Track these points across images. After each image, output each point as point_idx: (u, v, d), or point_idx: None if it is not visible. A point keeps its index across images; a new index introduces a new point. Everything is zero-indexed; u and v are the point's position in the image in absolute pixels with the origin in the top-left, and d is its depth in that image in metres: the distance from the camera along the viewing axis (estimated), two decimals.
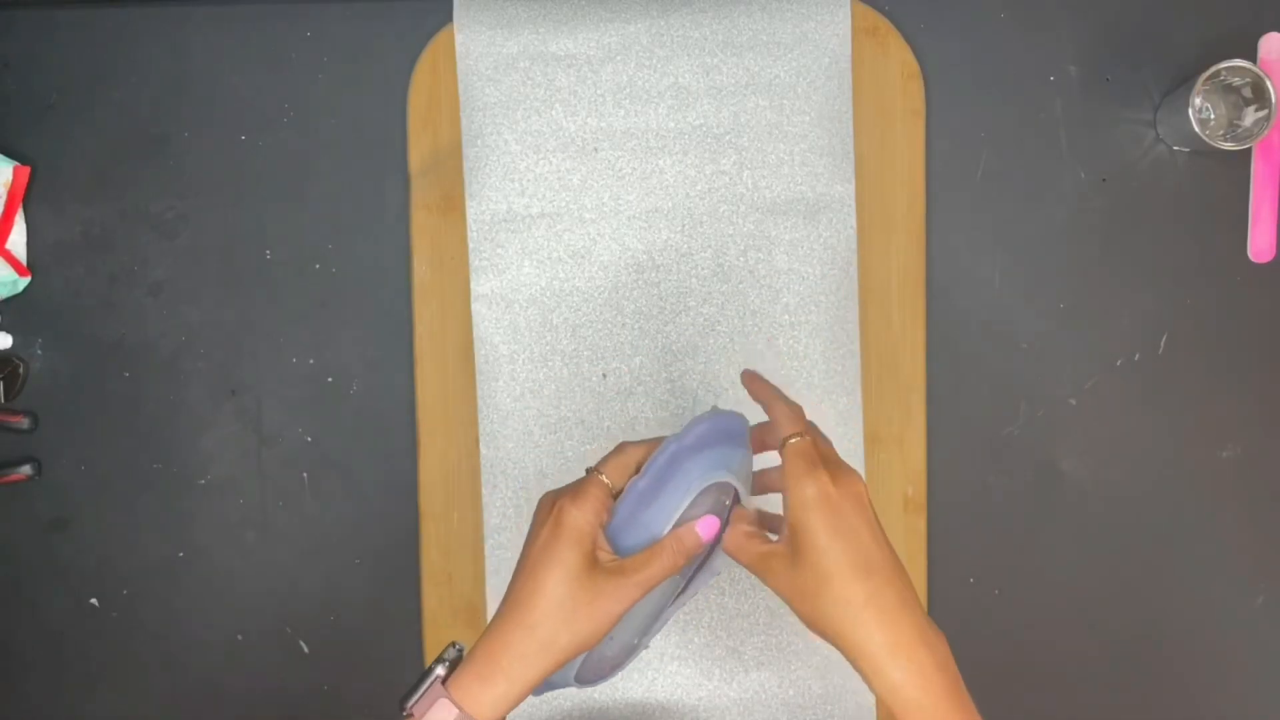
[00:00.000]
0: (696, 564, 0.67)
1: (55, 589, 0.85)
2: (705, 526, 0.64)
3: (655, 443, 0.66)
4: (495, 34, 0.82)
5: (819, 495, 0.60)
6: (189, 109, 0.84)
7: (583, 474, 0.66)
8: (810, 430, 0.65)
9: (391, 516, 0.84)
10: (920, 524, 0.83)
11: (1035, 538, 0.85)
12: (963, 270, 0.84)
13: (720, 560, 0.68)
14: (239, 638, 0.85)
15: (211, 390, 0.85)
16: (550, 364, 0.83)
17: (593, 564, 0.62)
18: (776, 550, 0.62)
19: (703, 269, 0.83)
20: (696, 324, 0.83)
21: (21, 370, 0.84)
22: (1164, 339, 0.84)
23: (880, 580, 0.59)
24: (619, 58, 0.83)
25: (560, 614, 0.61)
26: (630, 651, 0.68)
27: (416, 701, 0.61)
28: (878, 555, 0.60)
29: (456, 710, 0.60)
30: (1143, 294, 0.84)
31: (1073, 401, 0.84)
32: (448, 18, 0.83)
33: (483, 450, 0.83)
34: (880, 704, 0.83)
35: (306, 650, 0.85)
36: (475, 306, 0.83)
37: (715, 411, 0.68)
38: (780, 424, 0.65)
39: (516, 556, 0.83)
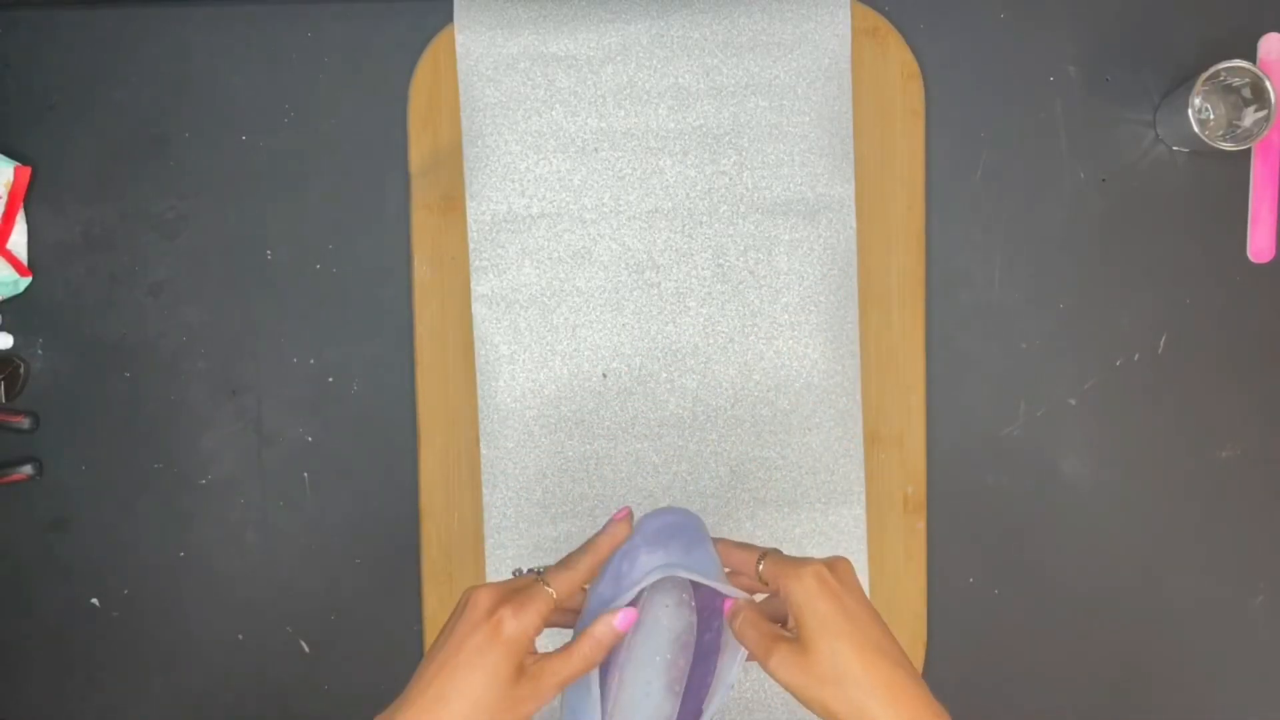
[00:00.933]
0: (718, 688, 0.67)
1: (55, 589, 0.85)
2: (622, 617, 0.63)
3: (601, 549, 0.66)
4: (496, 34, 0.82)
5: (819, 581, 0.62)
6: (189, 109, 0.84)
7: (517, 570, 0.66)
8: (770, 549, 0.67)
9: (391, 516, 0.84)
10: (920, 524, 0.83)
11: (1035, 538, 0.85)
12: (963, 270, 0.84)
13: (733, 670, 0.67)
14: (239, 638, 0.85)
15: (212, 390, 0.85)
16: (550, 364, 0.83)
17: (520, 672, 0.61)
18: (786, 637, 0.62)
19: (703, 269, 0.83)
20: (696, 324, 0.83)
21: (22, 370, 0.84)
22: (1164, 339, 0.84)
23: (891, 662, 0.60)
24: (619, 58, 0.83)
25: (484, 717, 0.60)
26: None
27: None
28: (884, 638, 0.61)
29: None
30: (1143, 294, 0.84)
31: (1073, 401, 0.84)
32: (448, 18, 0.83)
33: (483, 450, 0.83)
34: None
35: (306, 650, 0.85)
36: (475, 306, 0.83)
37: (668, 509, 0.69)
38: (745, 559, 0.66)
39: (516, 556, 0.83)
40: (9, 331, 0.84)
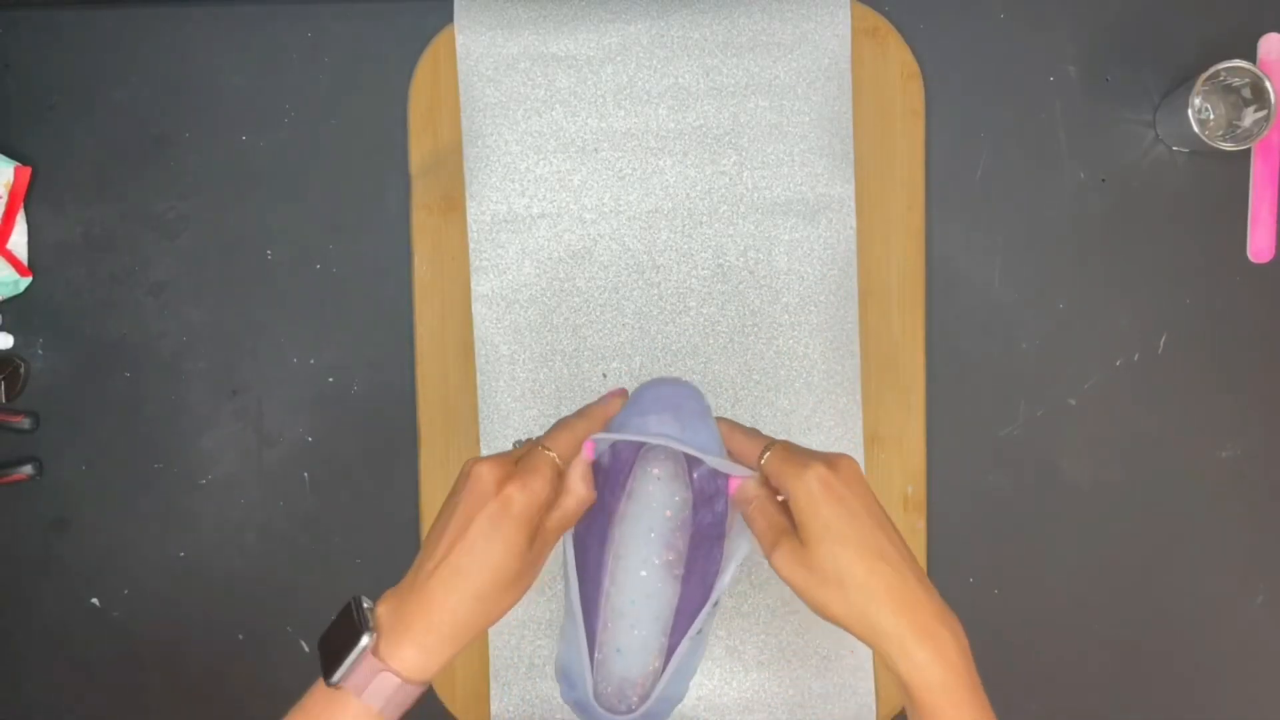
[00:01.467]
0: (728, 566, 0.68)
1: (55, 589, 0.85)
2: (589, 447, 0.66)
3: (595, 415, 0.68)
4: (496, 35, 0.82)
5: (822, 484, 0.61)
6: (189, 109, 0.84)
7: (517, 442, 0.68)
8: (777, 441, 0.66)
9: (391, 516, 0.84)
10: (920, 524, 0.83)
11: (1035, 538, 0.85)
12: (963, 270, 0.84)
13: (743, 548, 0.68)
14: (239, 638, 0.85)
15: (212, 390, 0.85)
16: (551, 364, 0.83)
17: (532, 539, 0.63)
18: (791, 532, 0.62)
19: (703, 269, 0.83)
20: (696, 324, 0.83)
21: (22, 370, 0.84)
22: (1164, 339, 0.84)
23: (894, 564, 0.59)
24: (619, 58, 0.83)
25: (504, 583, 0.61)
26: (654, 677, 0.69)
27: (346, 675, 0.59)
28: (887, 541, 0.60)
29: (398, 681, 0.59)
30: (1143, 294, 0.84)
31: (1073, 401, 0.84)
32: (448, 18, 0.83)
33: (483, 450, 0.83)
34: (887, 691, 0.83)
35: (306, 650, 0.85)
36: (476, 306, 0.83)
37: (665, 380, 0.71)
38: (748, 448, 0.66)
39: None
40: (9, 331, 0.84)
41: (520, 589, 0.63)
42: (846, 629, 0.60)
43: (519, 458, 0.64)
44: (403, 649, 0.59)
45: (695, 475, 0.71)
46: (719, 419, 0.69)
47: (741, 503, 0.66)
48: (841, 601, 0.59)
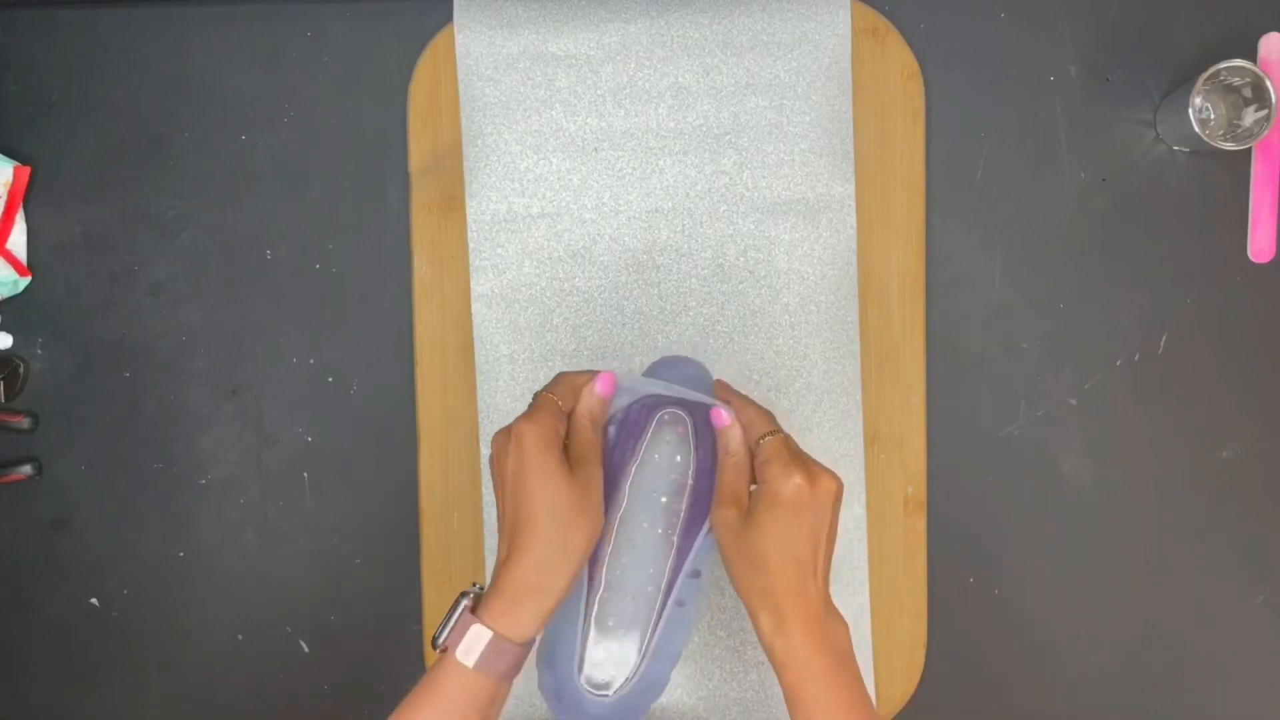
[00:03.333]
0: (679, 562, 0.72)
1: (55, 589, 0.85)
2: (607, 380, 0.69)
3: (592, 372, 0.71)
4: (495, 34, 0.82)
5: (792, 495, 0.65)
6: (189, 109, 0.84)
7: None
8: (783, 432, 0.69)
9: (391, 516, 0.84)
10: (920, 524, 0.83)
11: (1035, 538, 0.85)
12: (963, 270, 0.84)
13: (707, 562, 0.72)
14: (239, 638, 0.85)
15: (211, 390, 0.85)
16: (551, 364, 0.83)
17: (564, 462, 0.66)
18: (742, 503, 0.67)
19: (703, 269, 0.83)
20: (696, 324, 0.83)
21: (22, 370, 0.84)
22: (1164, 339, 0.84)
23: (805, 569, 0.64)
24: (619, 58, 0.83)
25: (565, 516, 0.64)
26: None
27: (448, 634, 0.63)
28: (811, 556, 0.65)
29: (491, 633, 0.62)
30: (1143, 294, 0.84)
31: (1073, 401, 0.84)
32: (448, 18, 0.83)
33: (483, 450, 0.83)
34: (887, 692, 0.83)
35: (306, 650, 0.85)
36: (475, 306, 0.83)
37: (679, 359, 0.76)
38: (755, 424, 0.69)
39: None
40: (9, 331, 0.84)
41: (586, 522, 0.65)
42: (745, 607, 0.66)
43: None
44: (495, 607, 0.63)
45: (698, 456, 0.73)
46: (734, 393, 0.73)
47: (721, 448, 0.70)
48: (745, 589, 0.65)
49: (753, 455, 0.69)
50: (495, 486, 0.68)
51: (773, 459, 0.67)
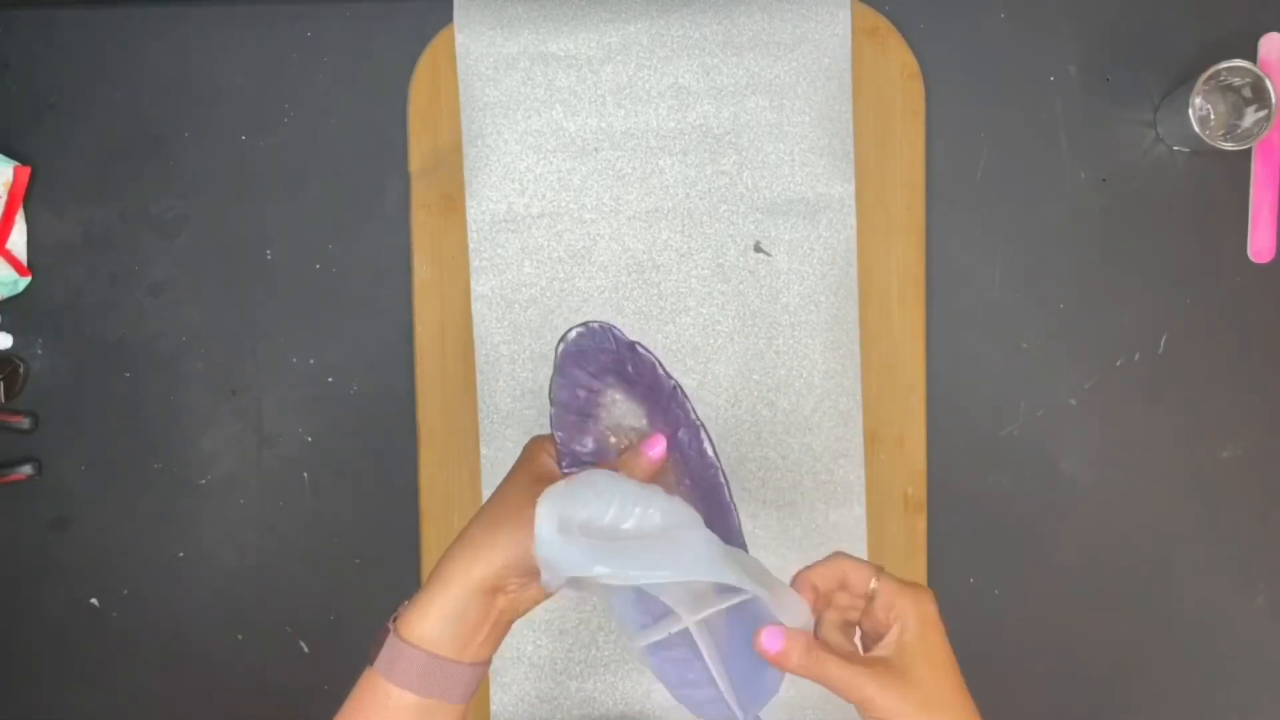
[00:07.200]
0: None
1: (55, 589, 0.85)
2: (655, 447, 0.63)
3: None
4: (495, 34, 0.82)
5: (936, 617, 0.59)
6: (189, 109, 0.84)
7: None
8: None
9: (391, 516, 0.84)
10: (920, 524, 0.83)
11: (1035, 538, 0.85)
12: (963, 270, 0.84)
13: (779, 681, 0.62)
14: (239, 638, 0.85)
15: (211, 390, 0.85)
16: (550, 364, 0.83)
17: (537, 480, 0.62)
18: (878, 661, 0.59)
19: (703, 269, 0.83)
20: (696, 324, 0.83)
21: (22, 370, 0.84)
22: (1164, 339, 0.84)
23: (966, 696, 0.59)
24: (619, 58, 0.83)
25: (493, 515, 0.60)
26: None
27: (374, 655, 0.60)
28: (962, 684, 0.60)
29: (419, 653, 0.58)
30: (1143, 294, 0.84)
31: (1073, 401, 0.84)
32: (448, 18, 0.83)
33: (483, 450, 0.83)
34: None
35: (306, 650, 0.85)
36: (475, 306, 0.83)
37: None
38: (859, 566, 0.61)
39: None
40: (9, 331, 0.84)
41: (510, 532, 0.59)
42: None
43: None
44: (410, 615, 0.59)
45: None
46: (817, 565, 0.61)
47: (786, 655, 0.58)
48: None
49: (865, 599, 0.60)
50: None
51: (906, 585, 0.59)
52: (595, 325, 0.64)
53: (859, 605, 0.61)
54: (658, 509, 0.58)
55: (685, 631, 0.58)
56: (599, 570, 0.56)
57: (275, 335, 0.84)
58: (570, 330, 0.65)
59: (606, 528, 0.57)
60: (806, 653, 0.58)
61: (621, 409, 0.66)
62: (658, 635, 0.59)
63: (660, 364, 0.64)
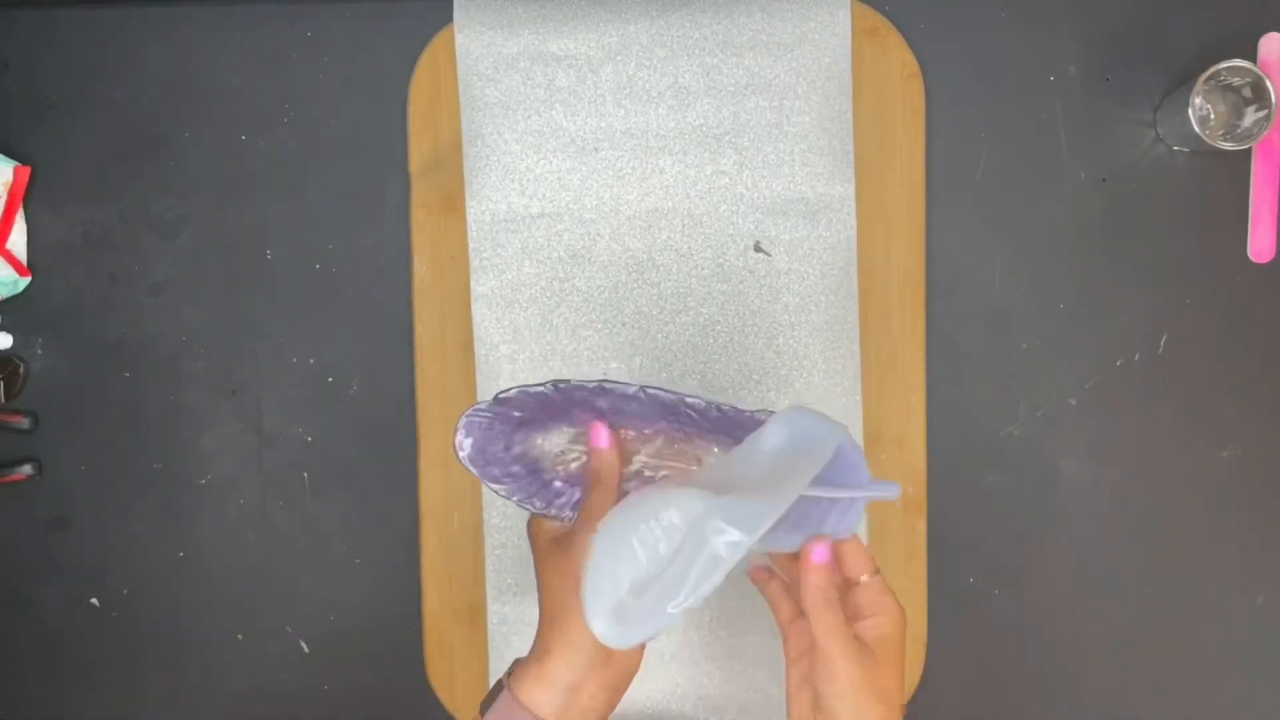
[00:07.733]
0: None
1: (55, 589, 0.85)
2: (595, 434, 0.66)
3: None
4: (495, 34, 0.82)
5: (904, 621, 0.64)
6: (189, 109, 0.84)
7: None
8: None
9: (391, 516, 0.84)
10: (920, 524, 0.83)
11: (1035, 538, 0.85)
12: (963, 270, 0.84)
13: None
14: (239, 638, 0.85)
15: (211, 390, 0.85)
16: (550, 364, 0.83)
17: (557, 544, 0.66)
18: (860, 639, 0.63)
19: (703, 269, 0.83)
20: (696, 324, 0.83)
21: (21, 370, 0.84)
22: (1164, 339, 0.84)
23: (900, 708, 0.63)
24: (619, 58, 0.83)
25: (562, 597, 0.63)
26: None
27: (491, 708, 0.64)
28: (902, 687, 0.63)
29: (528, 715, 0.62)
30: (1143, 294, 0.84)
31: (1073, 401, 0.84)
32: (448, 18, 0.83)
33: None
34: None
35: (306, 650, 0.85)
36: (475, 306, 0.83)
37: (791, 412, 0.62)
38: (863, 555, 0.66)
39: (516, 556, 0.83)
40: (9, 331, 0.84)
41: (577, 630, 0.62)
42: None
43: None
44: (525, 682, 0.63)
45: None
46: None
47: (821, 585, 0.62)
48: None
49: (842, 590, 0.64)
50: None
51: (886, 589, 0.64)
52: (479, 419, 0.66)
53: (839, 584, 0.65)
54: (665, 506, 0.57)
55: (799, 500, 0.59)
56: (674, 615, 0.55)
57: (275, 335, 0.84)
58: (459, 440, 0.66)
59: (651, 569, 0.56)
60: (830, 583, 0.63)
61: (552, 440, 0.69)
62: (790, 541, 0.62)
63: (557, 382, 0.65)
